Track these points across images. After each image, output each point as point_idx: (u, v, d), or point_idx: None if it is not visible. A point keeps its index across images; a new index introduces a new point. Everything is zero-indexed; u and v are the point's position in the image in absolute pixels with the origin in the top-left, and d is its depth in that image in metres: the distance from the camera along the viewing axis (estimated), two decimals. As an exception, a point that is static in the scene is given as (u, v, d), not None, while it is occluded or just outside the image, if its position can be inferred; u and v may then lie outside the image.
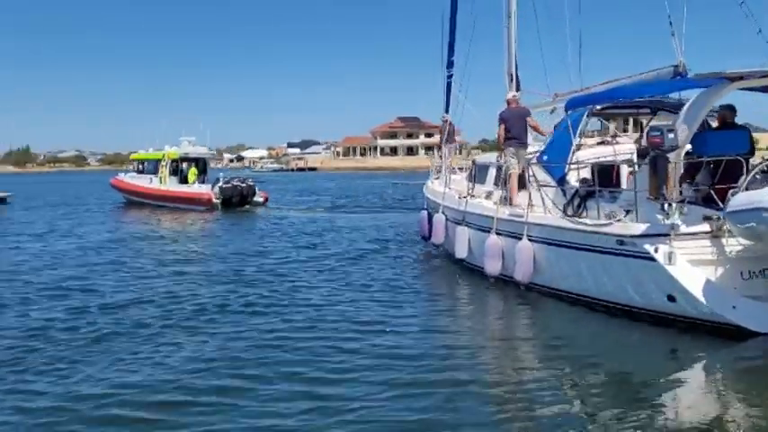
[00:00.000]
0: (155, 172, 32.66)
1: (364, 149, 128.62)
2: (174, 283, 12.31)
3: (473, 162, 13.45)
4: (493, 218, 11.23)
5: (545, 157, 10.80)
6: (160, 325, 9.19)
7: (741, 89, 8.63)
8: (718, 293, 7.90)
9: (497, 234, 11.08)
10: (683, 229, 8.19)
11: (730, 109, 9.09)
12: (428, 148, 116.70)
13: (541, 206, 10.25)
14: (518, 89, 15.28)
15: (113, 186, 36.96)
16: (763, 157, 8.68)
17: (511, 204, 11.13)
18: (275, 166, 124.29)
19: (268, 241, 18.89)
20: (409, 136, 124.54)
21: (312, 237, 19.68)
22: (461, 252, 12.44)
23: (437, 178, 16.40)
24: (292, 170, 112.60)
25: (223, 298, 10.86)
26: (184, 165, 32.26)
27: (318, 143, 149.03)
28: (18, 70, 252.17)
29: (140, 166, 34.75)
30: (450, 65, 17.65)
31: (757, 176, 8.62)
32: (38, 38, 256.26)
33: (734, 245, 8.12)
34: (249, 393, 6.59)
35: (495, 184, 12.28)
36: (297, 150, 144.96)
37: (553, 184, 10.33)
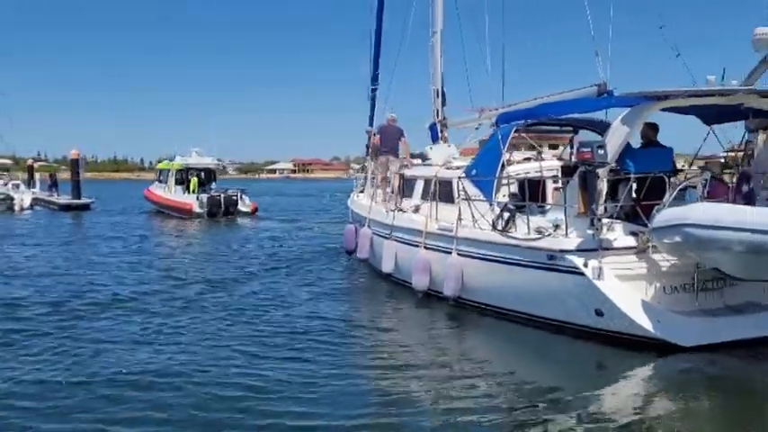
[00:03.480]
0: (167, 181, 34.00)
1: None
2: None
3: (400, 176, 13.34)
4: (421, 232, 11.10)
5: (474, 172, 10.78)
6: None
7: (664, 109, 8.91)
8: (644, 308, 8.03)
9: (426, 249, 10.95)
10: (611, 244, 8.31)
11: (653, 127, 9.35)
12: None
13: (470, 221, 10.20)
14: (444, 104, 15.44)
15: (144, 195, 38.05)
16: (685, 176, 8.95)
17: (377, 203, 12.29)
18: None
19: (192, 251, 18.70)
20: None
21: (251, 247, 19.47)
22: (388, 266, 12.26)
23: (362, 191, 16.20)
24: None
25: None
26: (195, 174, 32.88)
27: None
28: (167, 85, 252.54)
29: (160, 176, 35.98)
30: (374, 79, 17.62)
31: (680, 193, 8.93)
32: (183, 52, 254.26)
33: (659, 260, 8.31)
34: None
35: (423, 197, 12.17)
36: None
37: (482, 198, 10.31)
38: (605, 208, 8.65)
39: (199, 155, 34.22)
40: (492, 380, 7.31)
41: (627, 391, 7.27)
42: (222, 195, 30.80)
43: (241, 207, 31.21)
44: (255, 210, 31.75)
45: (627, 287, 8.21)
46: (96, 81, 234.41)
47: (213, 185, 32.68)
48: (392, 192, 13.21)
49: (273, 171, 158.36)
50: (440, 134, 15.19)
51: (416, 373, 7.57)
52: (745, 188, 8.40)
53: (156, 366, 7.68)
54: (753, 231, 6.71)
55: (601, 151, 7.91)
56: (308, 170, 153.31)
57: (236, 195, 31.34)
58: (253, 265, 15.51)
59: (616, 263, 8.29)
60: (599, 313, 8.21)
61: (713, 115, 9.25)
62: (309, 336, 9.10)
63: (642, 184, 8.68)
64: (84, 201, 37.35)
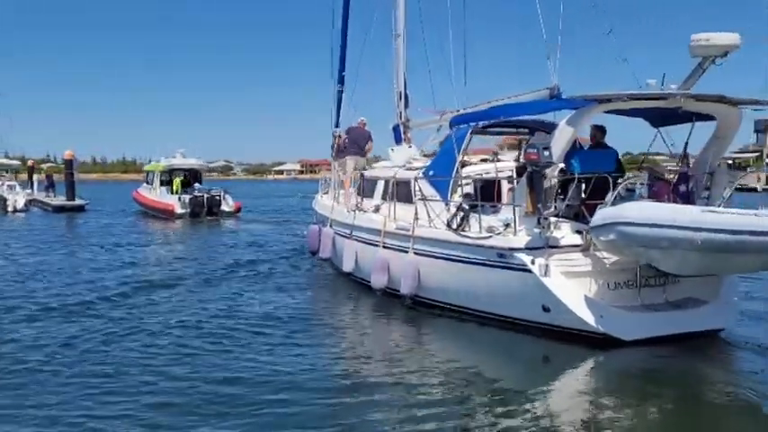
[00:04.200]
0: (152, 183, 34.44)
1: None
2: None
3: (361, 176, 13.54)
4: (380, 231, 11.31)
5: (431, 173, 11.01)
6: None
7: (609, 111, 9.22)
8: (588, 304, 8.33)
9: (384, 248, 11.17)
10: (558, 242, 8.61)
11: (600, 129, 9.69)
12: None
13: (427, 220, 10.44)
14: (407, 106, 15.66)
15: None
16: (628, 176, 9.27)
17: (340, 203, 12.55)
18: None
19: (159, 253, 18.67)
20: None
21: (222, 248, 19.53)
22: (348, 266, 12.45)
23: (326, 192, 16.36)
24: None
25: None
26: (179, 176, 33.24)
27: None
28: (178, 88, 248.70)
29: (147, 178, 36.22)
30: (340, 80, 17.76)
31: (622, 194, 9.25)
32: (194, 57, 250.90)
33: (603, 257, 8.61)
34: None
35: (383, 198, 12.38)
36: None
37: (438, 198, 10.54)
38: (555, 207, 8.94)
39: (183, 156, 34.43)
40: (442, 375, 7.53)
41: (572, 384, 7.57)
42: (205, 196, 30.84)
43: (224, 207, 31.27)
44: (239, 210, 31.88)
45: (572, 284, 8.50)
46: (98, 81, 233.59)
47: (197, 186, 32.57)
48: (354, 191, 13.44)
49: (281, 172, 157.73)
50: (403, 135, 15.42)
51: (368, 370, 7.78)
52: (683, 188, 8.75)
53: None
54: (679, 228, 7.03)
55: (546, 152, 8.19)
56: (315, 171, 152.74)
57: (220, 195, 31.38)
58: (217, 266, 15.56)
59: (562, 260, 8.59)
60: (546, 309, 8.49)
61: (659, 118, 9.58)
62: (264, 334, 9.25)
63: (588, 183, 8.99)
64: (78, 202, 37.28)
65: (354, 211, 12.73)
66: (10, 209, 36.01)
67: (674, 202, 8.56)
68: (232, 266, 15.34)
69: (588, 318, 8.24)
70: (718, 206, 8.47)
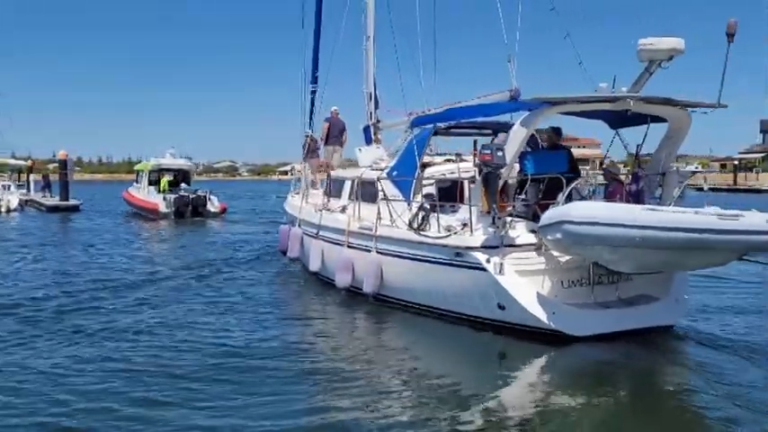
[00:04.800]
0: (141, 182, 34.69)
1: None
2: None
3: (328, 176, 13.67)
4: (344, 231, 11.45)
5: (394, 173, 11.16)
6: None
7: (568, 113, 9.42)
8: (541, 301, 8.52)
9: (348, 247, 11.31)
10: (513, 241, 8.80)
11: (555, 131, 9.90)
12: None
13: (390, 220, 10.58)
14: (377, 107, 15.81)
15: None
16: (582, 175, 9.49)
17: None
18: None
19: (148, 249, 18.95)
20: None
21: (198, 248, 19.48)
22: (315, 265, 12.59)
23: (297, 192, 16.46)
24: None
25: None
26: (168, 175, 33.30)
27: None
28: (184, 92, 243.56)
29: (137, 178, 36.34)
30: (314, 80, 17.84)
31: (583, 194, 9.47)
32: (198, 60, 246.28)
33: (557, 256, 8.81)
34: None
35: (350, 198, 12.52)
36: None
37: (401, 198, 10.70)
38: (513, 206, 9.14)
39: (173, 156, 34.64)
40: (400, 371, 7.68)
41: (526, 379, 7.73)
42: (190, 196, 30.94)
43: (209, 208, 31.42)
44: (224, 210, 32.01)
45: (526, 282, 8.70)
46: (103, 81, 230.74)
47: (183, 186, 32.64)
48: (322, 191, 13.61)
49: (285, 173, 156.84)
50: (373, 136, 15.57)
51: (327, 364, 7.91)
52: (633, 187, 8.98)
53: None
54: (620, 226, 7.24)
55: (500, 153, 8.37)
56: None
57: (205, 196, 31.50)
58: (183, 266, 15.53)
59: (517, 259, 8.78)
60: (501, 307, 8.68)
61: (616, 120, 9.81)
62: (226, 333, 9.37)
63: (546, 184, 9.20)
64: (72, 202, 37.24)
65: (321, 210, 12.85)
66: (3, 209, 35.85)
67: (627, 201, 8.79)
68: (199, 267, 15.32)
69: (541, 315, 8.44)
70: (669, 205, 8.74)
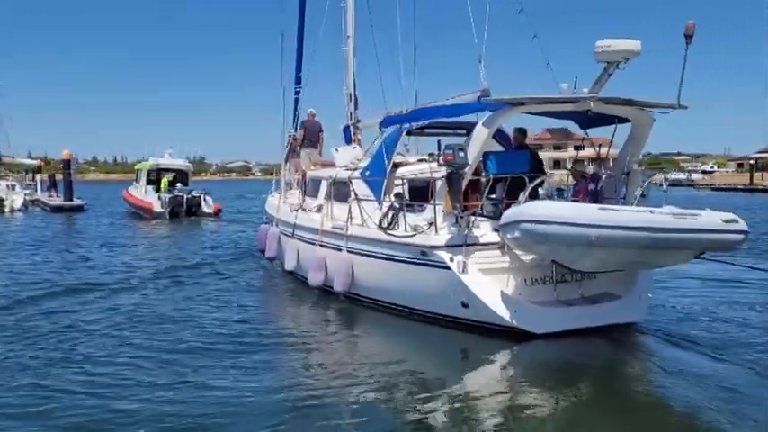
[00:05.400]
0: (139, 182, 35.12)
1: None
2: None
3: (303, 175, 13.79)
4: (318, 230, 11.58)
5: (366, 173, 11.28)
6: None
7: (541, 114, 9.53)
8: (503, 299, 8.65)
9: (321, 246, 11.43)
10: (477, 240, 8.93)
11: (521, 131, 10.03)
12: (577, 161, 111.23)
13: (360, 219, 10.70)
14: (357, 107, 15.93)
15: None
16: (545, 174, 9.62)
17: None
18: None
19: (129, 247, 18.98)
20: (557, 148, 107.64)
21: (165, 247, 19.57)
22: (290, 264, 12.71)
23: (278, 192, 16.57)
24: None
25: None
26: (166, 175, 33.31)
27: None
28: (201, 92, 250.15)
29: (136, 177, 36.57)
30: (297, 81, 17.95)
31: (549, 193, 9.59)
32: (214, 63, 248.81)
33: (520, 255, 8.94)
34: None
35: (327, 198, 12.63)
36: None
37: (372, 198, 10.82)
38: (482, 206, 9.26)
39: (171, 156, 35.00)
40: (366, 368, 7.77)
41: (489, 375, 7.89)
42: (185, 196, 31.17)
43: (204, 208, 31.71)
44: (218, 211, 32.18)
45: (490, 280, 8.83)
46: (105, 80, 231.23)
47: (178, 186, 32.75)
48: (299, 191, 13.73)
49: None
50: (352, 136, 15.69)
51: (296, 365, 8.05)
52: (591, 187, 9.12)
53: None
54: (575, 225, 7.37)
55: (461, 153, 8.50)
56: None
57: (200, 196, 31.83)
58: (162, 265, 15.61)
59: (481, 257, 8.91)
60: (465, 305, 8.81)
61: (584, 121, 9.94)
62: (201, 329, 9.50)
63: (511, 184, 9.32)
64: (76, 202, 37.34)
65: (297, 210, 12.97)
66: (7, 209, 35.92)
67: (585, 201, 8.94)
68: (175, 267, 15.35)
69: (502, 312, 8.57)
70: (632, 204, 8.88)
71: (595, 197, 8.96)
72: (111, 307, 10.90)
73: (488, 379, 7.78)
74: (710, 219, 7.78)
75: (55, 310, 10.67)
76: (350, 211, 10.85)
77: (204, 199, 32.04)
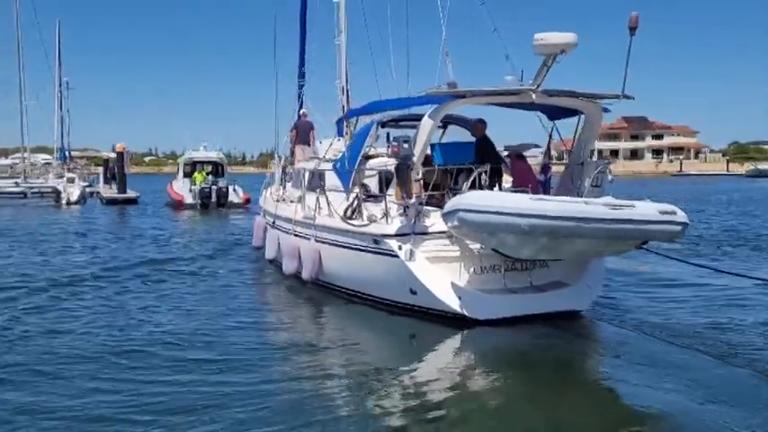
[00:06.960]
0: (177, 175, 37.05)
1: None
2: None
3: (283, 168, 14.20)
4: (292, 220, 11.99)
5: (338, 164, 11.60)
6: None
7: (506, 105, 9.72)
8: (448, 287, 8.90)
9: (295, 236, 11.84)
10: (426, 229, 9.19)
11: (481, 122, 10.23)
12: (656, 152, 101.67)
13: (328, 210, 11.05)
14: (348, 101, 16.26)
15: None
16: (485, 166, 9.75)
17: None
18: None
19: (131, 239, 19.82)
20: (633, 138, 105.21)
21: (162, 240, 20.03)
22: (271, 253, 13.16)
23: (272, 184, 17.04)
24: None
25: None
26: (202, 168, 35.30)
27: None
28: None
29: (177, 170, 38.31)
30: (301, 75, 18.38)
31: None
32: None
33: (469, 243, 9.16)
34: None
35: (301, 188, 13.00)
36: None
37: (341, 189, 11.14)
38: (428, 196, 9.49)
39: (206, 149, 36.72)
40: (317, 353, 8.10)
41: (436, 361, 8.06)
42: (213, 188, 32.76)
43: (233, 198, 33.12)
44: (248, 201, 33.05)
45: (437, 268, 9.07)
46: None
47: (209, 178, 34.25)
48: (281, 183, 14.17)
49: None
50: (345, 129, 16.02)
51: (248, 348, 8.25)
52: (541, 177, 9.28)
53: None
54: (508, 215, 7.56)
55: (406, 145, 8.78)
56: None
57: (227, 188, 33.25)
58: (169, 255, 16.11)
59: (429, 246, 9.16)
60: (413, 292, 9.09)
61: (553, 112, 10.08)
62: (168, 327, 9.55)
63: (468, 174, 9.54)
64: (129, 194, 38.91)
65: (278, 201, 13.40)
66: (64, 201, 37.22)
67: (536, 191, 9.09)
68: (164, 259, 15.51)
69: (447, 299, 8.81)
70: (582, 195, 9.02)
71: (545, 188, 9.11)
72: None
73: (435, 364, 7.97)
74: (646, 210, 7.86)
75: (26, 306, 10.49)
76: (317, 201, 11.21)
77: (234, 189, 33.52)
